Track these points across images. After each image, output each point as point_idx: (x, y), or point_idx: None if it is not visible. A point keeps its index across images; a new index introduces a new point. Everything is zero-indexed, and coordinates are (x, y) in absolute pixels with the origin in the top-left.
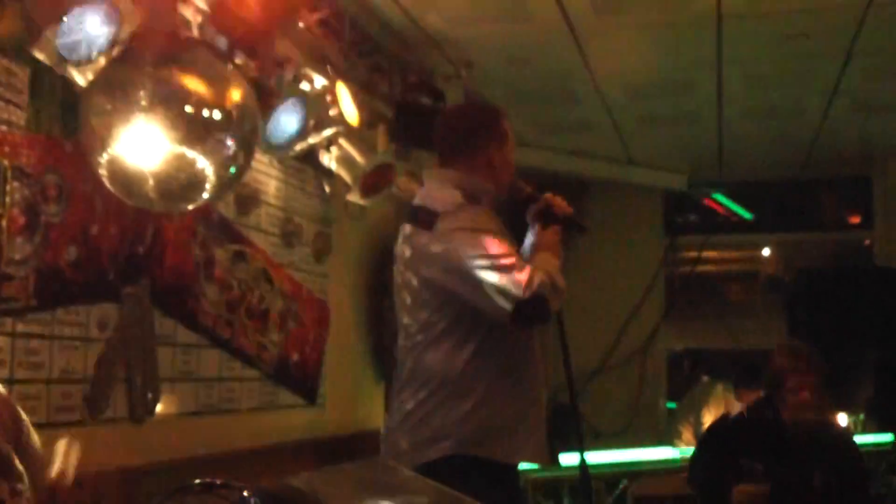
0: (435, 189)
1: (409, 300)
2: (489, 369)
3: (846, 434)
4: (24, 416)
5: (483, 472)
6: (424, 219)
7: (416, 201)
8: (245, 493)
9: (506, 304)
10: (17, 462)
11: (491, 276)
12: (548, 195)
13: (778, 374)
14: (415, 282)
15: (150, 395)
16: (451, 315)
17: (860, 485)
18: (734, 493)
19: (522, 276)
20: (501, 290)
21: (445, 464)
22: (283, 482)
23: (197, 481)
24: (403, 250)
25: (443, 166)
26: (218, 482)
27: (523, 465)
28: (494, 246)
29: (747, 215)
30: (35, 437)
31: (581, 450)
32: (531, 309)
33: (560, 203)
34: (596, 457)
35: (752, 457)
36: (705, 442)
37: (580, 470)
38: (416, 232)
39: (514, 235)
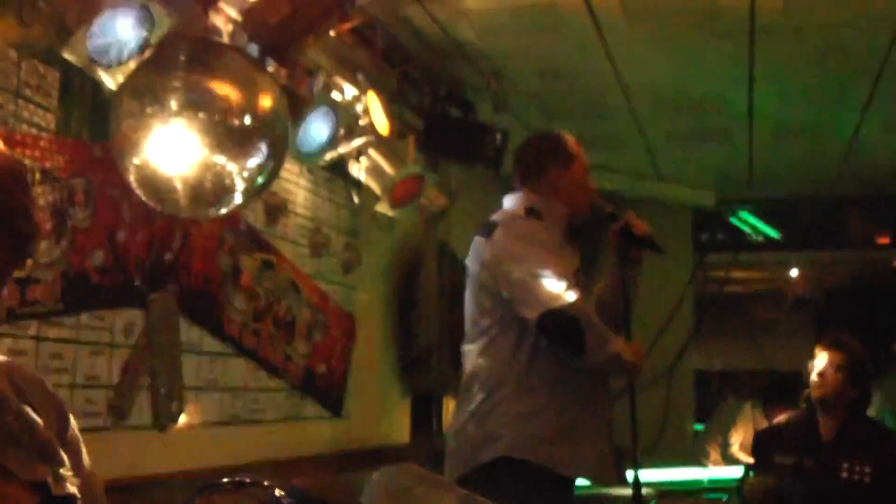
0: (504, 207)
1: (470, 306)
2: (547, 375)
3: (882, 428)
4: (71, 416)
5: (535, 479)
6: (485, 229)
7: (490, 217)
8: (277, 492)
9: (533, 311)
10: (60, 450)
11: (529, 282)
12: (629, 214)
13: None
14: (474, 287)
15: (174, 403)
16: (507, 319)
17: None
18: (745, 486)
19: (558, 290)
20: (534, 296)
21: (497, 466)
22: (315, 481)
23: (226, 480)
24: (469, 260)
25: (517, 192)
26: (248, 480)
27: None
28: (540, 256)
29: (774, 234)
30: (78, 435)
31: (636, 467)
32: (555, 321)
33: (639, 224)
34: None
35: (785, 454)
36: (752, 449)
37: (633, 488)
38: (478, 241)
39: (590, 255)
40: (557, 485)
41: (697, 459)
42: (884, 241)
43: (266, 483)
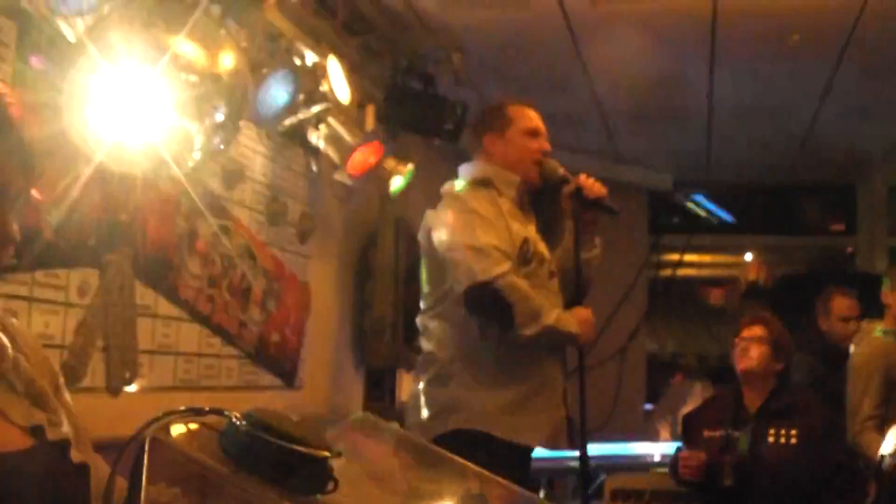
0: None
1: (423, 276)
2: (499, 345)
3: (805, 392)
4: (60, 375)
5: (493, 449)
6: (435, 201)
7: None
8: (234, 418)
9: (460, 284)
10: (54, 400)
11: (457, 255)
12: (581, 177)
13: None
14: (425, 259)
15: (127, 366)
16: (447, 284)
17: (822, 443)
18: (679, 461)
19: (487, 264)
20: (461, 269)
21: (455, 437)
22: (273, 409)
23: (183, 407)
24: (420, 232)
25: (469, 163)
26: (206, 408)
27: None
28: (471, 227)
29: (727, 218)
30: (67, 396)
31: (584, 441)
32: (480, 294)
33: (592, 185)
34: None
35: (713, 429)
36: (681, 428)
37: (580, 461)
38: (427, 212)
39: (548, 222)
40: (514, 454)
41: (648, 439)
42: (838, 227)
43: (224, 411)
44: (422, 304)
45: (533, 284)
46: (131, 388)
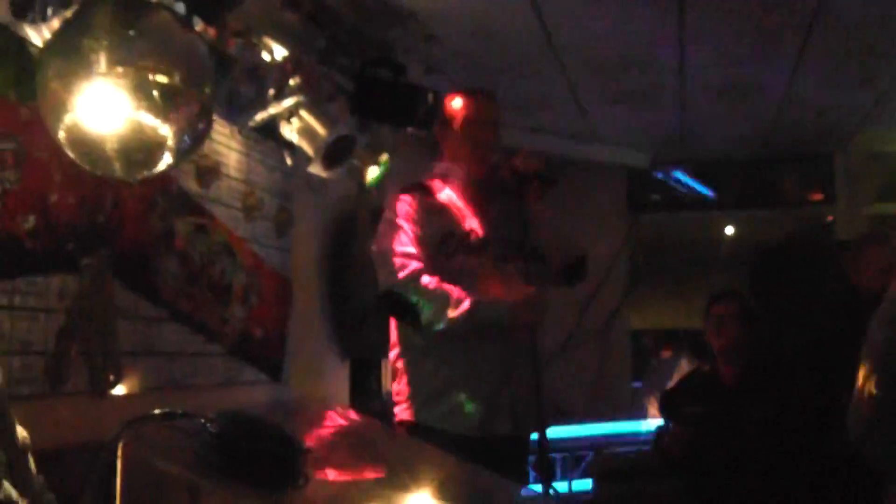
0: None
1: None
2: (428, 337)
3: (781, 363)
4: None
5: (430, 439)
6: None
7: None
8: (204, 421)
9: (378, 289)
10: None
11: (375, 261)
12: (516, 157)
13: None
14: None
15: (110, 369)
16: None
17: (805, 418)
18: (664, 438)
19: (392, 268)
20: (378, 276)
21: (403, 428)
22: (241, 411)
23: (157, 411)
24: None
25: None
26: (179, 412)
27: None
28: (396, 237)
29: (707, 193)
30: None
31: (540, 427)
32: (388, 299)
33: (525, 160)
34: (560, 430)
35: (694, 405)
36: (661, 408)
37: (539, 446)
38: None
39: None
40: (450, 442)
41: (637, 417)
42: (817, 197)
43: (194, 414)
44: None
45: (471, 271)
46: (116, 391)
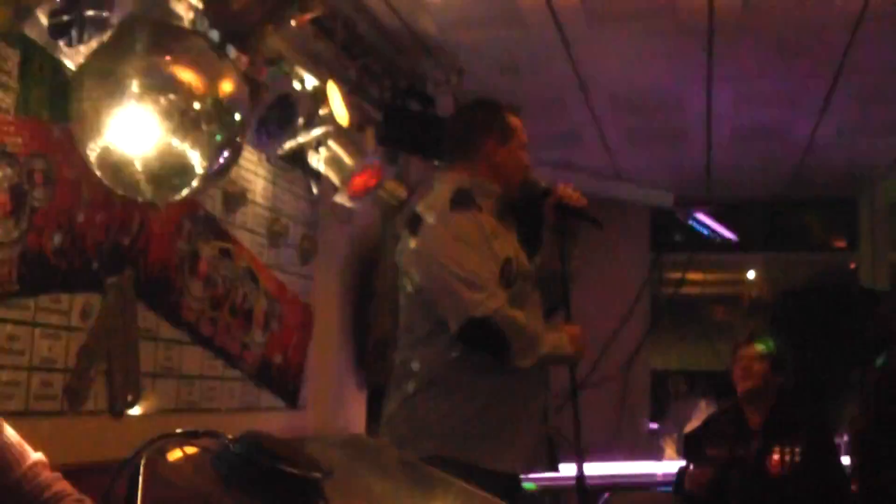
0: (431, 194)
1: (402, 302)
2: (476, 372)
3: (806, 409)
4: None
5: (464, 476)
6: (412, 224)
7: (415, 206)
8: (227, 441)
9: (454, 320)
10: None
11: (449, 288)
12: (560, 187)
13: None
14: (405, 285)
15: (130, 390)
16: (436, 317)
17: (824, 460)
18: (686, 478)
19: (480, 295)
20: (454, 304)
21: (428, 463)
22: (266, 433)
23: (179, 430)
24: (398, 255)
25: (448, 170)
26: (201, 431)
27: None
28: (461, 257)
29: (730, 236)
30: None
31: (580, 461)
32: (477, 331)
33: (572, 195)
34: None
35: (718, 447)
36: (684, 449)
37: (577, 482)
38: (406, 236)
39: (529, 231)
40: (485, 479)
41: (654, 457)
42: (840, 244)
43: (219, 433)
44: (402, 324)
45: (520, 304)
46: (134, 411)
